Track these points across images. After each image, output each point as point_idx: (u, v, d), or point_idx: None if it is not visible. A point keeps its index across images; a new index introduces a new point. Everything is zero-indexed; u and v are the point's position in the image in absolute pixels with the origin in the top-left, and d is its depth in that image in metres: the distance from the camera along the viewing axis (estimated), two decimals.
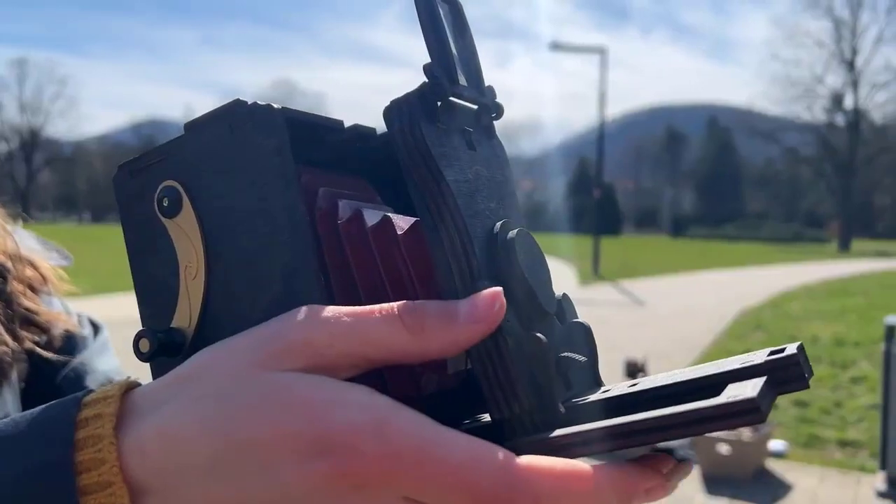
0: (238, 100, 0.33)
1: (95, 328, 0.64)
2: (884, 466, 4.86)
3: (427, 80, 0.33)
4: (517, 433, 0.31)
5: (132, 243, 0.36)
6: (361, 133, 0.38)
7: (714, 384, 0.30)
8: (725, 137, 78.55)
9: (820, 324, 10.38)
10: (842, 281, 18.03)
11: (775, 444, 5.33)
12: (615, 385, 0.34)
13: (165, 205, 0.34)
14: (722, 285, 16.33)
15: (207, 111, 0.33)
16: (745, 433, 4.53)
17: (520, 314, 0.32)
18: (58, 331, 0.58)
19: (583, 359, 0.34)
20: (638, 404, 0.31)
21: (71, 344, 0.60)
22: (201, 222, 0.33)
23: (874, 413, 5.93)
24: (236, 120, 0.32)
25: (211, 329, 0.33)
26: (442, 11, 0.34)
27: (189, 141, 0.34)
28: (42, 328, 0.56)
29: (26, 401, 0.55)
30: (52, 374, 0.58)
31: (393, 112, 0.33)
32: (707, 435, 0.30)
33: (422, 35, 0.33)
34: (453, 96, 0.34)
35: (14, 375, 0.54)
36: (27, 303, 0.55)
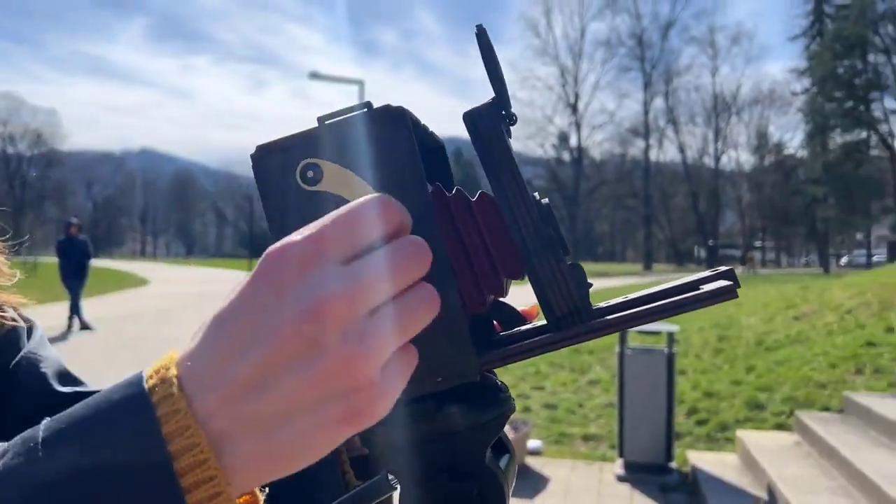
0: (369, 102, 0.45)
1: (28, 321, 0.69)
2: (621, 454, 5.63)
3: (496, 96, 0.47)
4: (572, 324, 0.47)
5: (271, 207, 0.44)
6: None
7: (689, 287, 0.49)
8: (469, 169, 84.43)
9: None
10: None
11: (532, 443, 5.93)
12: (612, 299, 0.51)
13: (309, 176, 0.44)
14: None
15: (342, 108, 0.45)
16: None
17: (562, 251, 0.48)
18: (6, 321, 0.64)
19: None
20: (645, 300, 0.48)
21: (16, 333, 0.66)
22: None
23: (611, 410, 6.83)
24: (375, 115, 0.44)
25: None
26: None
27: (326, 130, 0.44)
28: None
29: None
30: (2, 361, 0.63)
31: (479, 115, 0.47)
32: None
33: (482, 62, 0.47)
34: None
35: None
36: None
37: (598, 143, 59.84)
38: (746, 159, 60.31)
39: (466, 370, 0.45)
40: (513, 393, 0.53)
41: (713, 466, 5.58)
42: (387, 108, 0.44)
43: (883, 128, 39.21)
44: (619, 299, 0.51)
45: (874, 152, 40.78)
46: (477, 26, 0.48)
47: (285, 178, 0.44)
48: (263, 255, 0.35)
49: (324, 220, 0.36)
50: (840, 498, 4.51)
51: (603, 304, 0.50)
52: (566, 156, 55.78)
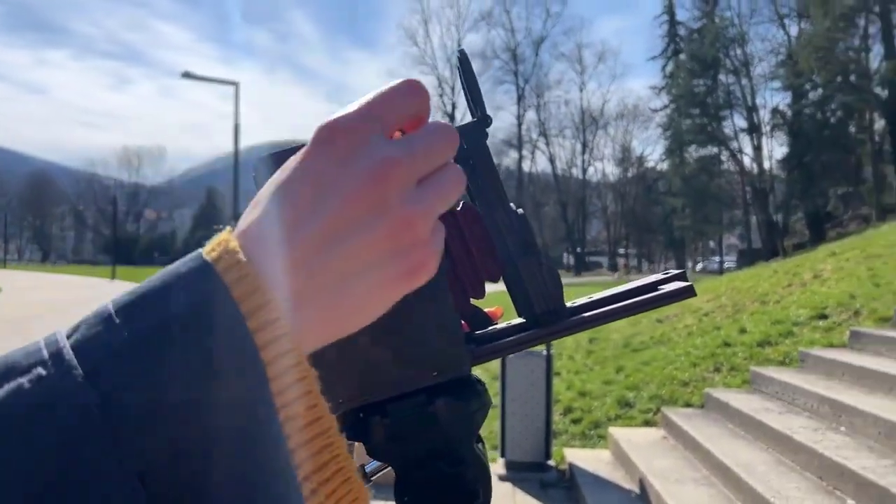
0: None
1: None
2: (503, 455, 5.79)
3: (480, 115, 0.51)
4: (551, 321, 0.52)
5: None
6: None
7: (648, 288, 0.55)
8: None
9: None
10: None
11: None
12: (577, 299, 0.57)
13: None
14: None
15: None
16: None
17: (542, 256, 0.52)
18: None
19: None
20: (611, 300, 0.55)
21: None
22: None
23: (492, 412, 6.98)
24: None
25: None
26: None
27: None
28: None
29: None
30: None
31: (466, 133, 0.51)
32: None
33: (462, 82, 0.52)
34: None
35: None
36: None
37: None
38: (612, 171, 63.64)
39: (460, 364, 0.48)
40: None
41: (588, 463, 5.83)
42: None
43: (733, 144, 42.51)
44: (585, 299, 0.56)
45: (725, 166, 44.11)
46: (459, 50, 0.52)
47: None
48: (319, 128, 0.37)
49: (368, 96, 0.39)
50: (704, 487, 4.85)
51: (570, 304, 0.55)
52: None
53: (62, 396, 0.30)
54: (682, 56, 44.89)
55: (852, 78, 33.27)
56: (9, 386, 0.30)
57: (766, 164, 41.55)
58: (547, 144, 59.16)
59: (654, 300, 0.53)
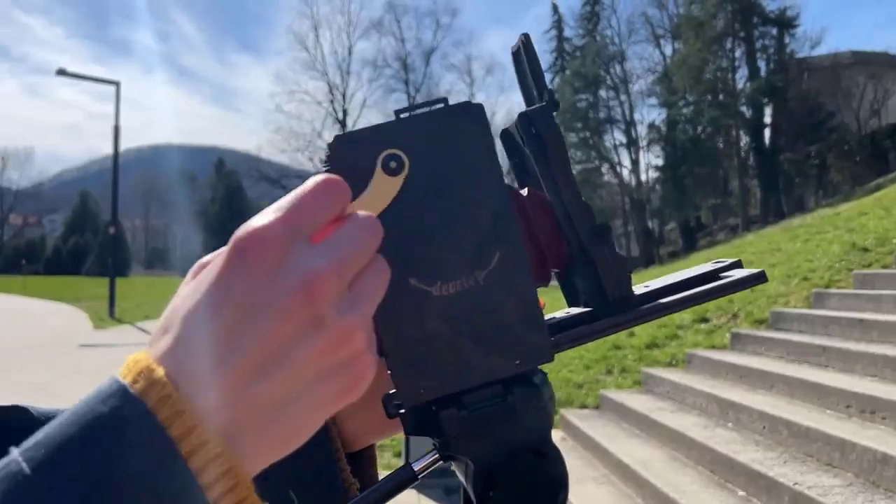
0: (446, 98, 0.46)
1: None
2: (407, 460, 5.74)
3: (549, 100, 0.50)
4: (622, 309, 0.51)
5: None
6: None
7: (709, 277, 0.54)
8: (234, 180, 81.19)
9: None
10: None
11: None
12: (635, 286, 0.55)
13: (393, 166, 0.44)
14: None
15: (419, 103, 0.46)
16: None
17: (612, 238, 0.51)
18: None
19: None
20: (674, 289, 0.53)
21: None
22: (420, 182, 0.45)
23: None
24: (453, 111, 0.46)
25: None
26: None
27: (404, 123, 0.45)
28: None
29: None
30: None
31: (537, 117, 0.50)
32: None
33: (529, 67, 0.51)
34: None
35: None
36: None
37: None
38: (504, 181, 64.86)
39: (543, 353, 0.47)
40: None
41: None
42: (465, 105, 0.46)
43: (613, 157, 44.51)
44: (643, 287, 0.54)
45: (606, 179, 46.08)
46: (524, 34, 0.51)
47: (366, 167, 0.45)
48: (237, 238, 0.34)
49: (286, 200, 0.36)
50: (604, 485, 5.01)
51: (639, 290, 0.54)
52: None
53: None
54: (568, 72, 46.59)
55: (721, 96, 35.61)
56: None
57: (644, 177, 43.81)
58: None
59: (725, 287, 0.52)
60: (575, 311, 0.54)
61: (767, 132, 35.44)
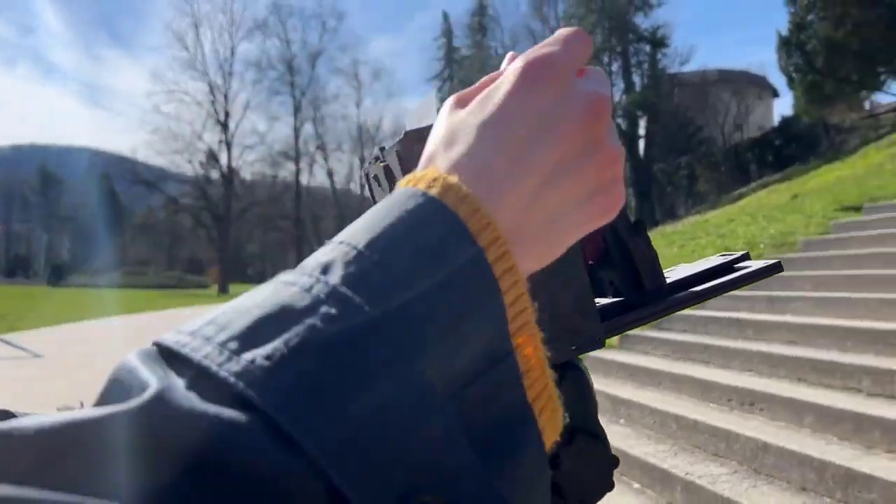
0: None
1: None
2: None
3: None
4: (658, 299, 0.54)
5: None
6: None
7: (725, 269, 0.58)
8: (106, 183, 76.77)
9: None
10: None
11: None
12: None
13: None
14: (122, 331, 15.98)
15: None
16: None
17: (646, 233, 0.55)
18: None
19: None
20: (694, 281, 0.57)
21: None
22: None
23: None
24: None
25: None
26: None
27: None
28: None
29: None
30: None
31: None
32: None
33: None
34: None
35: None
36: None
37: (249, 164, 59.28)
38: None
39: (596, 338, 0.49)
40: None
41: None
42: None
43: None
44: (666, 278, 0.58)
45: None
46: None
47: None
48: (528, 63, 0.37)
49: (562, 38, 0.39)
50: None
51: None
52: (215, 174, 54.10)
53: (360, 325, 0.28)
54: (456, 80, 47.24)
55: None
56: (303, 325, 0.28)
57: None
58: (325, 158, 59.06)
59: (746, 277, 0.56)
60: (603, 301, 0.57)
61: (642, 144, 37.41)
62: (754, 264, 0.58)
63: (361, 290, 0.29)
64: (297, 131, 57.17)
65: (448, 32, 51.37)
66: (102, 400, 0.27)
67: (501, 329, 0.32)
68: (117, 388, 0.27)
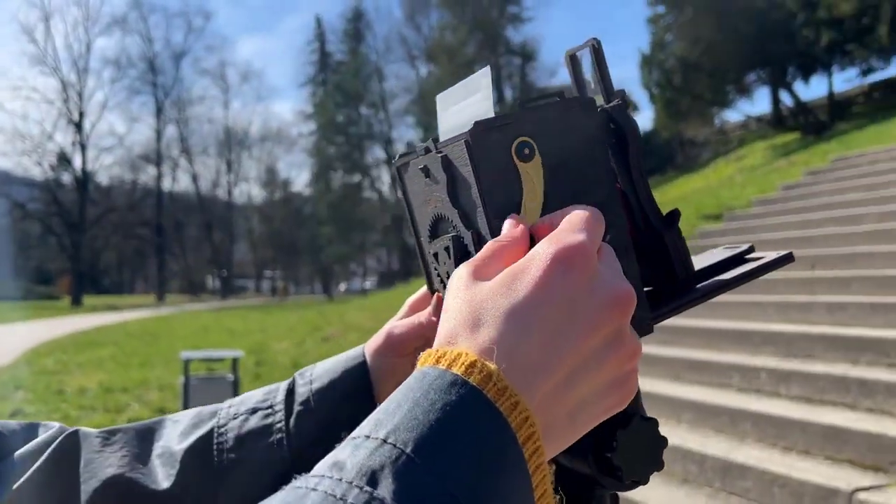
0: (562, 91, 0.51)
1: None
2: None
3: (622, 98, 0.53)
4: (689, 287, 0.55)
5: (488, 182, 0.47)
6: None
7: (736, 259, 0.59)
8: None
9: (82, 375, 10.38)
10: (87, 333, 18.33)
11: None
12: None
13: (526, 153, 0.47)
14: None
15: (541, 95, 0.50)
16: None
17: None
18: None
19: None
20: (715, 270, 0.57)
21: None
22: (545, 168, 0.48)
23: None
24: (570, 104, 0.50)
25: None
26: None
27: (531, 113, 0.49)
28: None
29: None
30: None
31: (618, 114, 0.53)
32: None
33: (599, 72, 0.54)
34: None
35: None
36: None
37: (106, 167, 55.63)
38: (258, 193, 62.98)
39: (645, 325, 0.51)
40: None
41: None
42: (579, 99, 0.51)
43: (374, 173, 45.47)
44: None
45: (367, 194, 46.90)
46: (594, 39, 0.55)
47: (502, 153, 0.47)
48: (558, 251, 0.37)
49: (581, 221, 0.40)
50: None
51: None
52: (68, 178, 50.38)
53: None
54: (330, 85, 46.71)
55: None
56: None
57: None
58: (190, 162, 56.51)
59: (763, 267, 0.57)
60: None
61: None
62: (767, 255, 0.59)
63: None
64: (159, 133, 54.36)
65: (321, 37, 50.74)
66: None
67: None
68: None
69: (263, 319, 20.82)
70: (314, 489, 0.29)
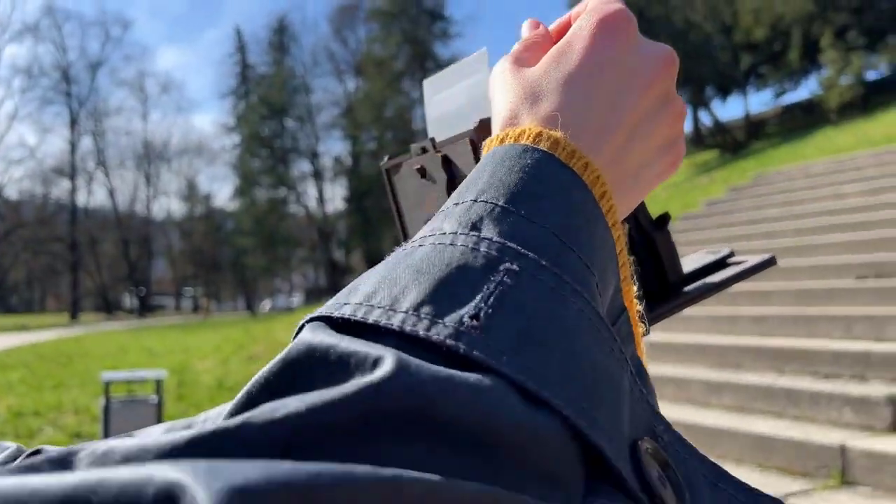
0: None
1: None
2: None
3: None
4: (680, 290, 0.57)
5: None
6: None
7: (719, 263, 0.60)
8: None
9: None
10: None
11: None
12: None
13: None
14: None
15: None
16: None
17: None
18: None
19: None
20: (700, 274, 0.59)
21: None
22: None
23: None
24: None
25: None
26: None
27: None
28: None
29: None
30: None
31: None
32: None
33: None
34: None
35: None
36: None
37: (16, 181, 52.86)
38: (177, 208, 61.07)
39: (646, 322, 0.53)
40: None
41: None
42: None
43: (300, 187, 44.77)
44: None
45: (293, 209, 46.13)
46: None
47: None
48: (602, 17, 0.37)
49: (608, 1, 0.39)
50: None
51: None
52: None
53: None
54: (253, 97, 45.84)
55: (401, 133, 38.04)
56: (492, 282, 0.27)
57: (330, 208, 44.71)
58: (106, 175, 54.33)
59: (747, 271, 0.58)
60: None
61: None
62: (750, 259, 0.59)
63: (525, 244, 0.29)
64: (73, 145, 52.07)
65: (242, 49, 49.80)
66: (293, 384, 0.24)
67: (618, 283, 0.34)
68: (307, 368, 0.25)
69: (185, 338, 20.12)
70: (420, 245, 0.29)
